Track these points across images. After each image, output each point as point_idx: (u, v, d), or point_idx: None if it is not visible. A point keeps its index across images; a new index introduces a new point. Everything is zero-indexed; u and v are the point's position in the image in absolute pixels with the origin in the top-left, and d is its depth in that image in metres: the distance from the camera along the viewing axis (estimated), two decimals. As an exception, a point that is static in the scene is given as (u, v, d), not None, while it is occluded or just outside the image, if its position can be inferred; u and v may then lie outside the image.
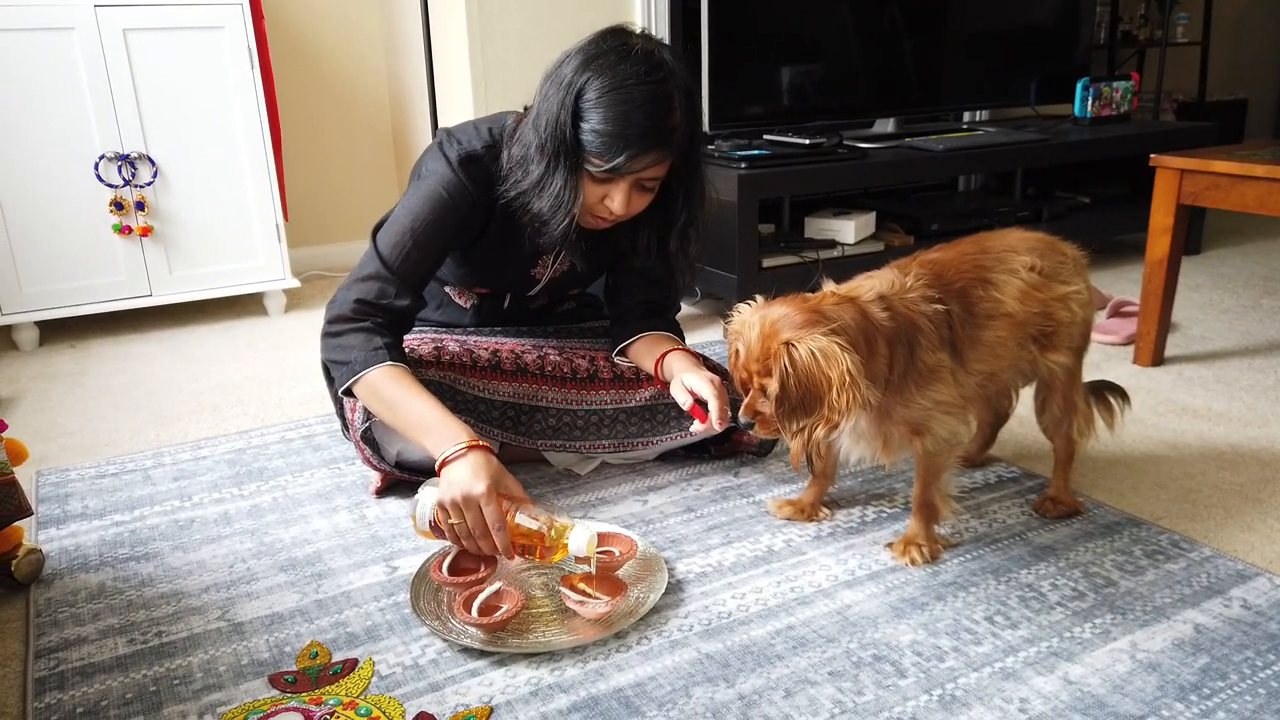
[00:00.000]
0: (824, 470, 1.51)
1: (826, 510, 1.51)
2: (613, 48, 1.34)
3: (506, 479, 1.27)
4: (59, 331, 2.61)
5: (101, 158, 2.42)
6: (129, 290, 2.54)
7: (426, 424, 1.32)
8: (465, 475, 1.23)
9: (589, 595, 1.24)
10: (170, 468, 1.73)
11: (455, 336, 1.65)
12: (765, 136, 2.72)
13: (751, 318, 1.26)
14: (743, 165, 2.42)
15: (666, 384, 1.56)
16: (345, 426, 1.69)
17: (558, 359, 1.63)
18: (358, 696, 1.10)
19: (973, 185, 3.54)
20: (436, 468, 1.28)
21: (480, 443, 1.28)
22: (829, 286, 1.31)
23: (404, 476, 1.56)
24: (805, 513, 1.50)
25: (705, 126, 2.65)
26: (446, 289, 1.70)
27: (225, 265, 2.63)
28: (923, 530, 1.38)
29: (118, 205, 2.45)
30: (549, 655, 1.17)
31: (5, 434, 1.35)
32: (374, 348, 1.39)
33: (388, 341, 1.41)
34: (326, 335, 1.44)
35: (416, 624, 1.23)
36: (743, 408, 1.28)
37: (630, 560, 1.33)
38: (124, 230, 2.47)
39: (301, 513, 1.55)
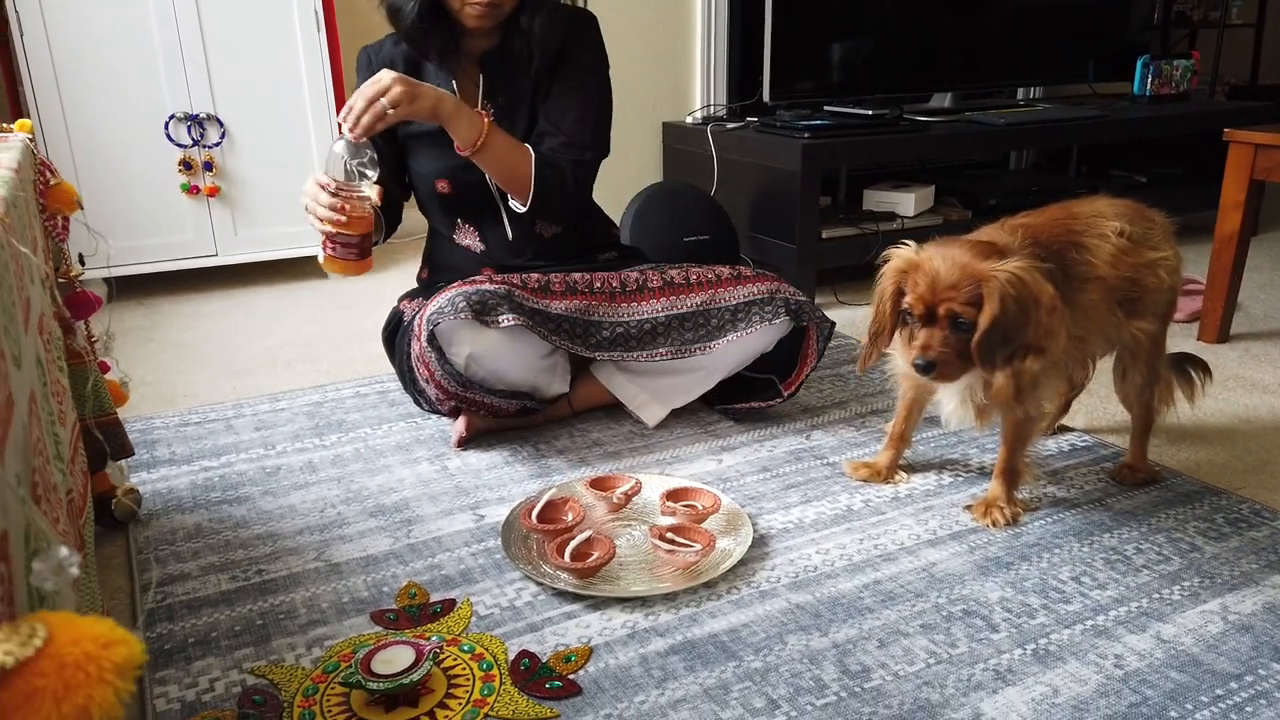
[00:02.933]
0: (901, 433, 1.52)
1: (903, 474, 1.52)
2: None
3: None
4: (125, 289, 2.65)
5: (171, 117, 2.45)
6: (196, 249, 2.58)
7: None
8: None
9: (679, 544, 1.26)
10: (250, 418, 1.77)
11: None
12: (826, 108, 2.71)
13: (930, 251, 1.23)
14: (805, 135, 2.42)
15: None
16: (406, 384, 1.69)
17: (605, 275, 1.65)
18: (460, 634, 1.13)
19: (1024, 163, 3.51)
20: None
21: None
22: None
23: (474, 398, 1.55)
24: (881, 475, 1.51)
25: (766, 96, 2.65)
26: (455, 237, 1.74)
27: (289, 227, 2.66)
28: (1004, 493, 1.39)
29: (186, 165, 2.48)
30: (642, 601, 1.19)
31: (106, 375, 1.38)
32: None
33: None
34: None
35: (509, 569, 1.26)
36: (920, 349, 1.21)
37: (714, 514, 1.35)
38: (192, 190, 2.51)
39: (384, 463, 1.58)
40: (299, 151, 2.62)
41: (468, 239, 1.74)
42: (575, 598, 1.20)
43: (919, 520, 1.39)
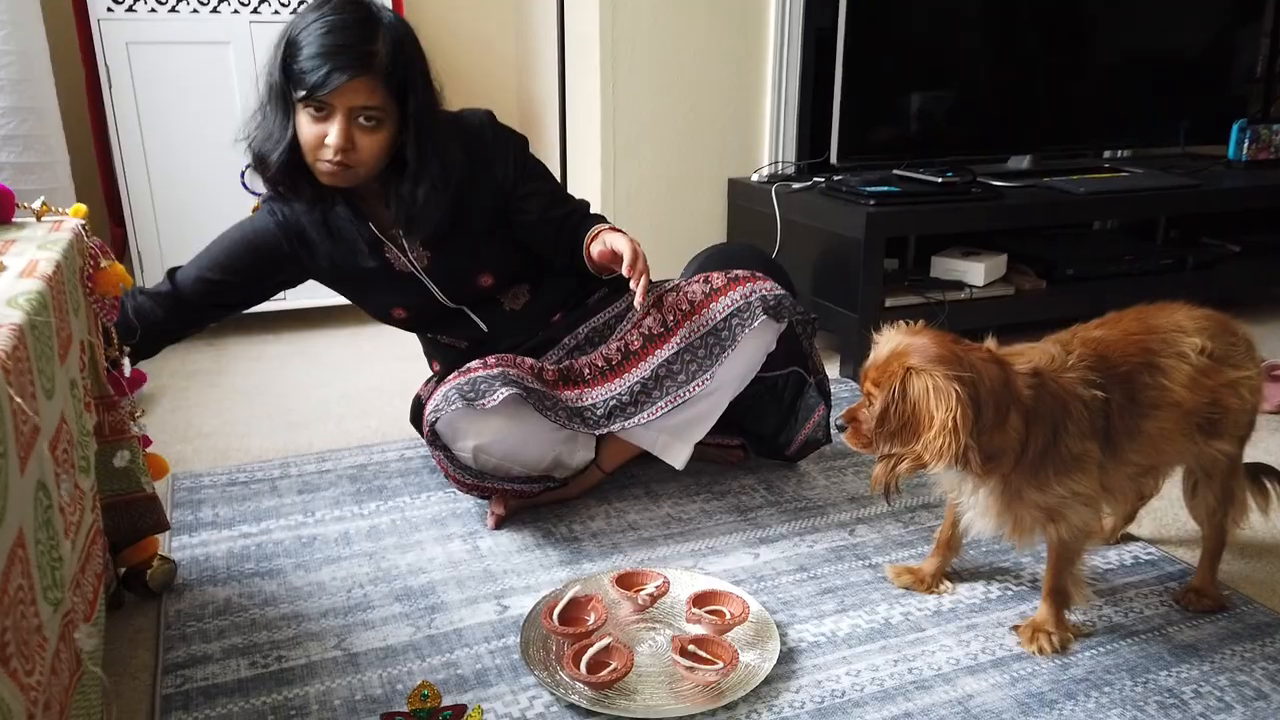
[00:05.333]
0: (949, 540, 1.45)
1: (948, 583, 1.45)
2: (322, 0, 1.45)
3: None
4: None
5: (248, 166, 2.52)
6: (263, 294, 2.64)
7: None
8: None
9: (700, 660, 1.21)
10: (296, 480, 1.79)
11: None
12: (895, 171, 2.64)
13: (893, 333, 1.23)
14: (871, 202, 2.35)
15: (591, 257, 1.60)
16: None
17: (590, 357, 1.64)
18: (467, 746, 1.10)
19: (1109, 225, 3.37)
20: None
21: None
22: (990, 343, 1.24)
23: (492, 486, 1.57)
24: (925, 583, 1.45)
25: (834, 158, 2.60)
26: (438, 339, 1.76)
27: (353, 273, 2.71)
28: (1052, 616, 1.31)
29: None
30: (657, 720, 1.15)
31: (149, 449, 1.41)
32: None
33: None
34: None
35: (525, 672, 1.23)
36: (845, 411, 1.26)
37: (741, 624, 1.30)
38: (262, 237, 2.57)
39: (417, 538, 1.58)
40: (367, 200, 2.67)
41: (448, 339, 1.75)
42: (588, 712, 1.16)
43: (960, 641, 1.32)
